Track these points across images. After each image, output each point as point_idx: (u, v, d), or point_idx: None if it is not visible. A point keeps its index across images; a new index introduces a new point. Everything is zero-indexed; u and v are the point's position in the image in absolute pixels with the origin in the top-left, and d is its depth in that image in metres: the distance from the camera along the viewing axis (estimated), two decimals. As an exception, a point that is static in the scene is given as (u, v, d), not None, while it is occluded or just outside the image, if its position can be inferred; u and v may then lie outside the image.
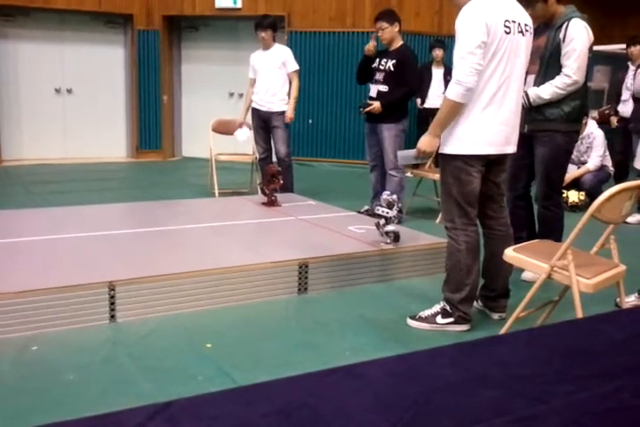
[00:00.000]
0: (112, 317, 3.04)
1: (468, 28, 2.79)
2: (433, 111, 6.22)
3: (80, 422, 1.10)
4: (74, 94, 9.17)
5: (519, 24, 2.90)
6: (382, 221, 3.81)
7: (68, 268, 3.30)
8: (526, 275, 3.73)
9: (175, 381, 2.47)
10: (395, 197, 3.77)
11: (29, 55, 8.79)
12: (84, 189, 6.88)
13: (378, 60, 5.29)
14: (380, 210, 3.75)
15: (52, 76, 8.99)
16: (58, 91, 9.08)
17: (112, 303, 3.04)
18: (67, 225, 4.25)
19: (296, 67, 5.95)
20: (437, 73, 7.95)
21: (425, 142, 2.99)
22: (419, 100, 7.94)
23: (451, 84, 2.83)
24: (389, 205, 3.73)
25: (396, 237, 3.84)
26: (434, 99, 7.70)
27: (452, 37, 3.04)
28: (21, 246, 3.73)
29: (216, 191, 6.29)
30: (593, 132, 6.34)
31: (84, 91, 9.21)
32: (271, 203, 5.05)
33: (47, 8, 8.53)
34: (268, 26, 5.88)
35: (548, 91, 3.62)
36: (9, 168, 8.32)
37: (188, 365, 2.61)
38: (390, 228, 3.82)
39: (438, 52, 7.88)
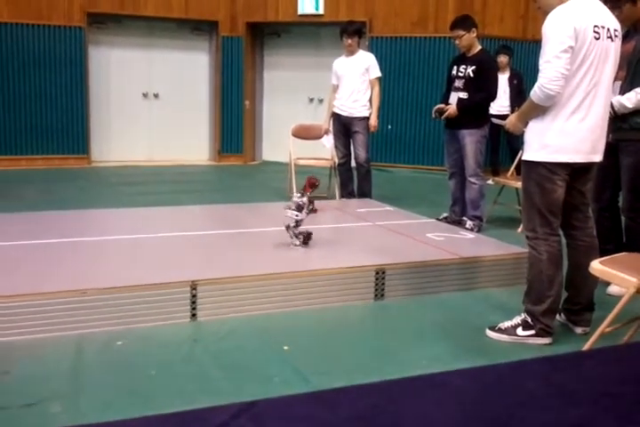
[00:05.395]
0: (193, 315, 3.13)
1: (555, 32, 2.74)
2: (497, 116, 6.05)
3: (167, 417, 1.14)
4: (160, 99, 9.48)
5: (608, 29, 2.83)
6: (292, 224, 3.84)
7: (153, 266, 3.41)
8: (612, 289, 3.59)
9: (252, 381, 2.51)
10: (305, 199, 3.81)
11: (120, 61, 9.16)
12: (169, 190, 7.10)
13: (456, 67, 5.20)
14: (289, 213, 3.77)
15: (141, 81, 9.33)
16: (145, 95, 9.41)
17: (193, 302, 3.13)
18: (152, 225, 4.41)
19: (379, 74, 5.96)
20: (502, 78, 7.70)
21: (510, 122, 3.09)
22: None
23: (535, 87, 2.81)
24: (299, 208, 3.76)
25: (305, 238, 3.88)
26: (498, 105, 7.37)
27: (537, 42, 2.99)
28: (109, 245, 3.89)
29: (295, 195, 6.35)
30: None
31: (170, 95, 9.52)
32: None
33: (137, 15, 8.88)
34: (355, 32, 5.91)
35: (633, 99, 3.50)
36: (98, 169, 8.69)
37: (265, 365, 2.65)
38: (300, 229, 3.86)
39: (503, 59, 7.63)
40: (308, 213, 3.84)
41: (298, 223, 3.86)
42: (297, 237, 3.88)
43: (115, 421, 1.15)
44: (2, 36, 8.22)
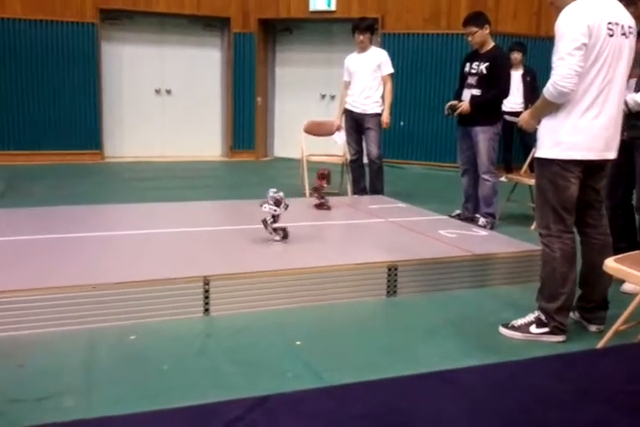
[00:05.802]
0: (206, 310, 3.14)
1: (568, 30, 2.72)
2: (510, 113, 6.02)
3: (181, 411, 1.15)
4: (172, 95, 9.50)
5: (622, 26, 2.80)
6: (270, 219, 3.81)
7: (165, 261, 3.42)
8: (627, 287, 3.57)
9: (265, 375, 2.52)
10: (281, 194, 3.77)
11: (132, 57, 9.18)
12: (181, 186, 7.12)
13: (469, 63, 5.18)
14: (267, 208, 3.74)
15: (153, 78, 9.36)
16: (158, 91, 9.43)
17: (206, 297, 3.14)
18: (163, 220, 4.42)
19: (391, 70, 5.94)
20: (515, 75, 7.64)
21: (523, 119, 3.08)
22: None
23: (548, 84, 2.79)
24: (277, 203, 3.74)
25: (284, 233, 3.85)
26: (511, 102, 7.19)
27: (550, 39, 2.96)
28: (121, 239, 3.91)
29: (307, 191, 6.36)
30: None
31: (182, 92, 9.53)
32: (321, 205, 5.02)
33: (149, 11, 8.90)
34: (367, 28, 5.89)
35: None
36: (111, 164, 8.73)
37: (277, 361, 2.66)
38: (277, 225, 3.82)
39: (516, 56, 7.57)
40: (285, 208, 3.81)
41: (275, 218, 3.84)
42: (276, 232, 3.87)
43: (128, 414, 1.15)
44: (16, 32, 8.26)
